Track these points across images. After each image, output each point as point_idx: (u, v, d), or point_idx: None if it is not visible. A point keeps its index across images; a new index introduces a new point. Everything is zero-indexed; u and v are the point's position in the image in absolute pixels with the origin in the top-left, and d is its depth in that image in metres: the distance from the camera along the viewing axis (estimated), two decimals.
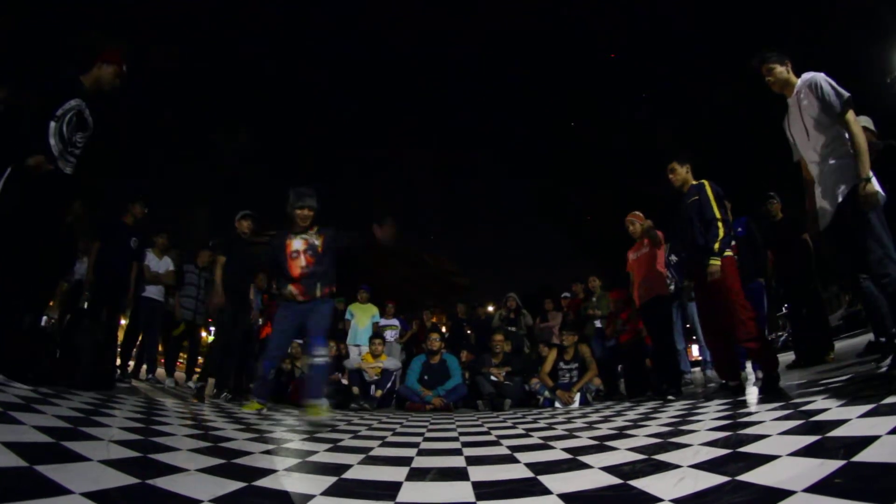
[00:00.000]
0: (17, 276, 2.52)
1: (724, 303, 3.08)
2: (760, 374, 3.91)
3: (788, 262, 4.46)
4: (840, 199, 2.40)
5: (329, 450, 1.90)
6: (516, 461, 1.62)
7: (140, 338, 5.66)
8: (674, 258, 4.78)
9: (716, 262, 3.05)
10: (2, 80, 2.81)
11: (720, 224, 3.15)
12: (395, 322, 6.88)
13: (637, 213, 4.61)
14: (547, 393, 4.49)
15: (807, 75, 2.62)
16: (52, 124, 2.52)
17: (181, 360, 6.82)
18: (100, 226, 4.65)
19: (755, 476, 1.10)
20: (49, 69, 2.72)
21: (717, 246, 3.08)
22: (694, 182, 3.52)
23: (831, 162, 2.47)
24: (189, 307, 5.64)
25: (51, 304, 4.64)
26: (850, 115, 2.39)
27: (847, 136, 2.40)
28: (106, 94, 2.84)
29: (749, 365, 4.26)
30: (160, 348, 5.80)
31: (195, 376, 5.81)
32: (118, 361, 4.79)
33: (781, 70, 2.73)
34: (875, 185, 2.29)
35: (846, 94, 2.42)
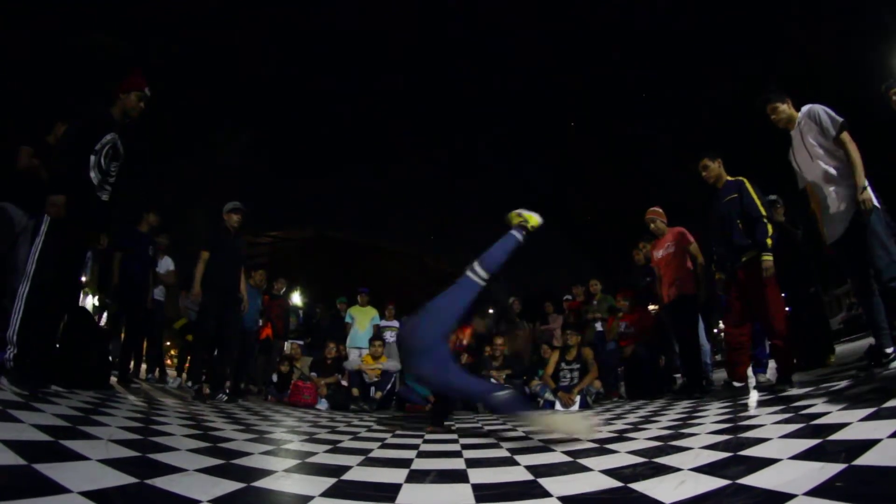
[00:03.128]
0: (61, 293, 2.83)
1: (762, 299, 3.20)
2: (761, 378, 3.93)
3: (789, 265, 4.45)
4: (852, 214, 2.68)
5: (328, 451, 1.90)
6: (516, 463, 1.62)
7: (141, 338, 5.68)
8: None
9: (769, 258, 3.17)
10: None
11: (767, 221, 3.26)
12: (396, 324, 6.88)
13: (657, 209, 4.55)
14: (548, 394, 4.47)
15: (805, 107, 2.96)
16: (92, 158, 2.75)
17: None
18: (118, 235, 4.73)
19: (756, 479, 1.09)
20: (85, 105, 2.88)
21: (769, 241, 3.20)
22: (730, 178, 3.57)
23: (840, 180, 2.77)
24: (193, 308, 5.66)
25: None
26: (845, 135, 2.73)
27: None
28: (133, 120, 3.00)
29: (750, 369, 4.27)
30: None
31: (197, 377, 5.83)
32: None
33: (784, 107, 3.03)
34: (870, 192, 2.63)
35: (840, 118, 2.77)
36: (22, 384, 2.30)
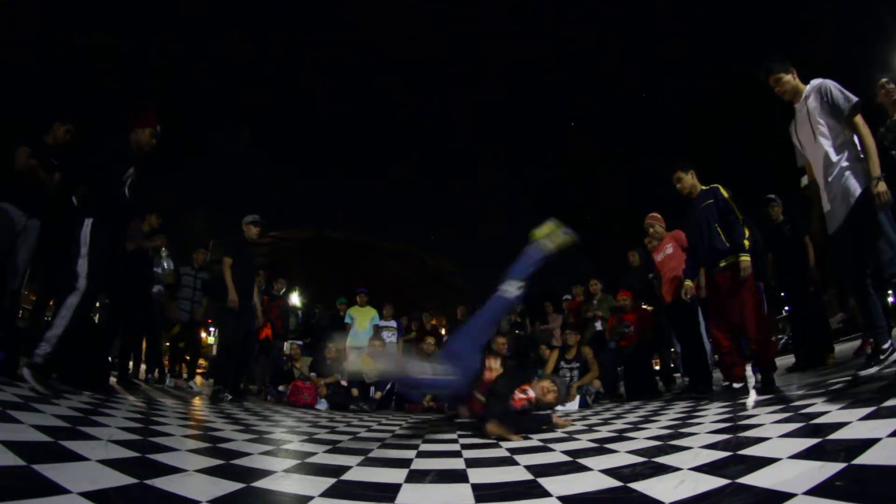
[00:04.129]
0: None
1: (741, 302, 3.16)
2: (759, 377, 3.92)
3: (789, 265, 4.46)
4: (853, 202, 2.44)
5: (328, 451, 1.90)
6: (515, 463, 1.62)
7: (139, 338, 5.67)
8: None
9: (747, 258, 3.14)
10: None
11: (743, 225, 3.26)
12: (393, 324, 6.91)
13: (655, 214, 4.67)
14: None
15: (815, 81, 2.67)
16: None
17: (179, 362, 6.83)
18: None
19: (756, 478, 1.10)
20: (112, 139, 3.22)
21: (747, 243, 3.18)
22: (703, 187, 3.59)
23: (843, 164, 2.51)
24: (185, 308, 5.65)
25: (50, 303, 4.68)
26: (859, 118, 2.44)
27: (856, 139, 2.47)
28: (145, 154, 3.28)
29: (749, 368, 4.28)
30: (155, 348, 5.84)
31: (197, 377, 5.84)
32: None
33: (789, 78, 2.77)
34: (885, 185, 2.34)
35: (855, 98, 2.49)
36: (43, 383, 2.48)
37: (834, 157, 2.54)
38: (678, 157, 3.80)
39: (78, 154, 3.79)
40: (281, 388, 5.27)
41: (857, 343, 4.57)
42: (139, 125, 3.25)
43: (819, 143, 2.60)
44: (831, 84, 2.56)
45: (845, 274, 2.84)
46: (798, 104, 2.75)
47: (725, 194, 3.40)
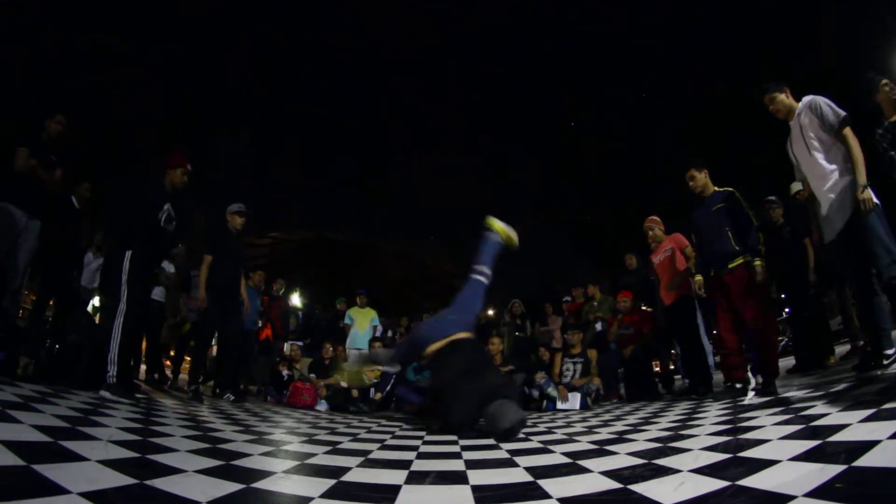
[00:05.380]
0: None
1: (752, 306, 3.21)
2: (760, 379, 3.93)
3: (789, 267, 4.46)
4: (849, 212, 2.60)
5: (328, 452, 1.90)
6: (516, 465, 1.62)
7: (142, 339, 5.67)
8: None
9: (761, 263, 3.19)
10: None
11: (757, 231, 3.31)
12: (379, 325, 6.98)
13: (655, 217, 4.71)
14: (551, 389, 4.46)
15: (806, 98, 2.87)
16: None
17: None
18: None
19: (756, 481, 1.10)
20: (150, 180, 3.62)
21: (762, 248, 3.23)
22: (717, 189, 3.63)
23: (837, 176, 2.69)
24: (194, 309, 5.67)
25: (50, 303, 4.67)
26: (848, 130, 2.63)
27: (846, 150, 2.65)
28: (179, 191, 3.63)
29: (749, 369, 4.29)
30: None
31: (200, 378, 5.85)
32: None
33: (782, 97, 2.95)
34: (870, 192, 2.54)
35: (843, 112, 2.68)
36: (123, 394, 2.88)
37: (828, 169, 2.71)
38: (693, 156, 3.83)
39: (80, 152, 3.91)
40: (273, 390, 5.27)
41: (848, 348, 4.58)
42: (172, 166, 3.57)
43: (813, 157, 2.77)
44: (821, 100, 2.74)
45: (848, 278, 2.94)
46: (792, 121, 2.92)
47: (742, 200, 3.43)
